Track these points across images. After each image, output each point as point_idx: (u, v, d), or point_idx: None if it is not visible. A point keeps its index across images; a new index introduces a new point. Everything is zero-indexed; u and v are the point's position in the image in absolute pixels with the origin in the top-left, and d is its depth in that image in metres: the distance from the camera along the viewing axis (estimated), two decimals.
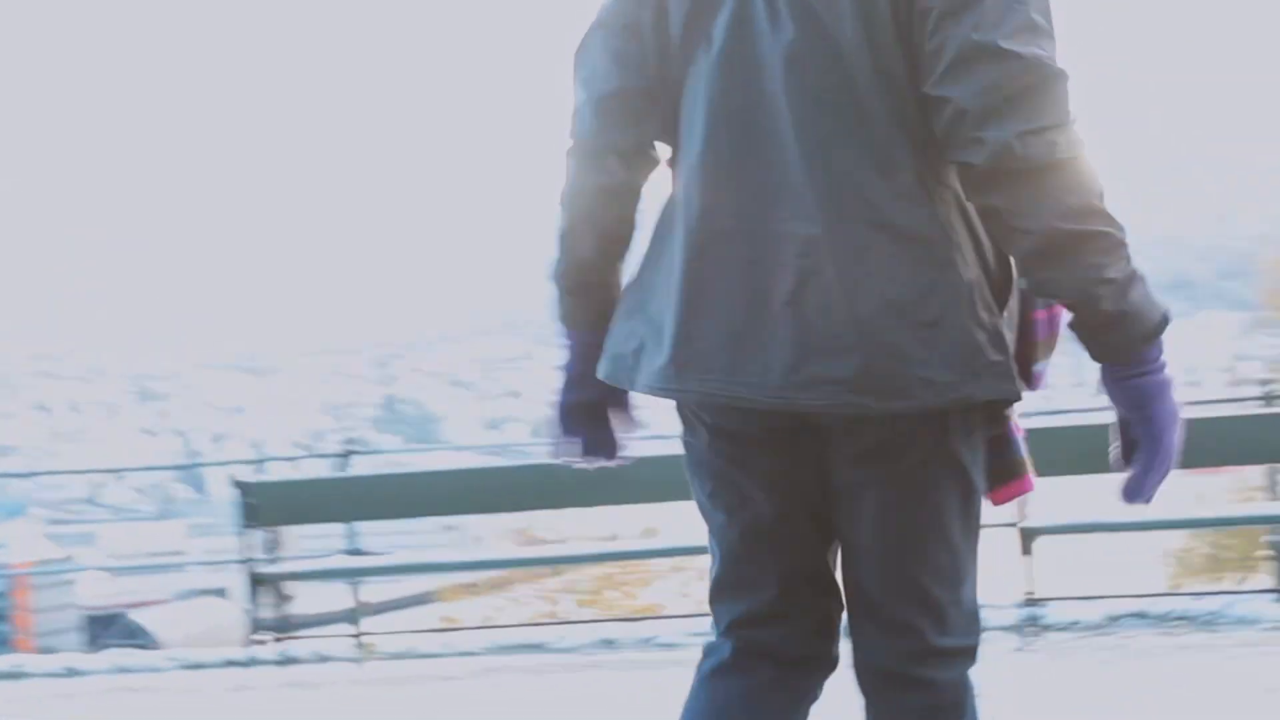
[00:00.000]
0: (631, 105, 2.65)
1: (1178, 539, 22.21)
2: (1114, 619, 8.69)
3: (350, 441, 10.99)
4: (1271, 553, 9.43)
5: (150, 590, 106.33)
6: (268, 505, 8.94)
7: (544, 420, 2.97)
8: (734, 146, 2.53)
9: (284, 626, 9.39)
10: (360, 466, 9.97)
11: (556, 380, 2.87)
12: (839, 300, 2.42)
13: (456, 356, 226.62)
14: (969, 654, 2.67)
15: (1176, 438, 2.50)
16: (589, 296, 2.78)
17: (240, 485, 8.96)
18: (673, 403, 2.69)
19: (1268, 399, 9.13)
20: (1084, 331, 2.44)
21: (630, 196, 2.72)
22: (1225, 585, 19.21)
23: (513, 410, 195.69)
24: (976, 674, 2.65)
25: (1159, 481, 2.51)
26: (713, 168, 2.54)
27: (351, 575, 9.67)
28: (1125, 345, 2.43)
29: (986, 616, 2.72)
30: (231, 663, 9.53)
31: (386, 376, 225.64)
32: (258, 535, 9.01)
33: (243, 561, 9.00)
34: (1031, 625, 8.44)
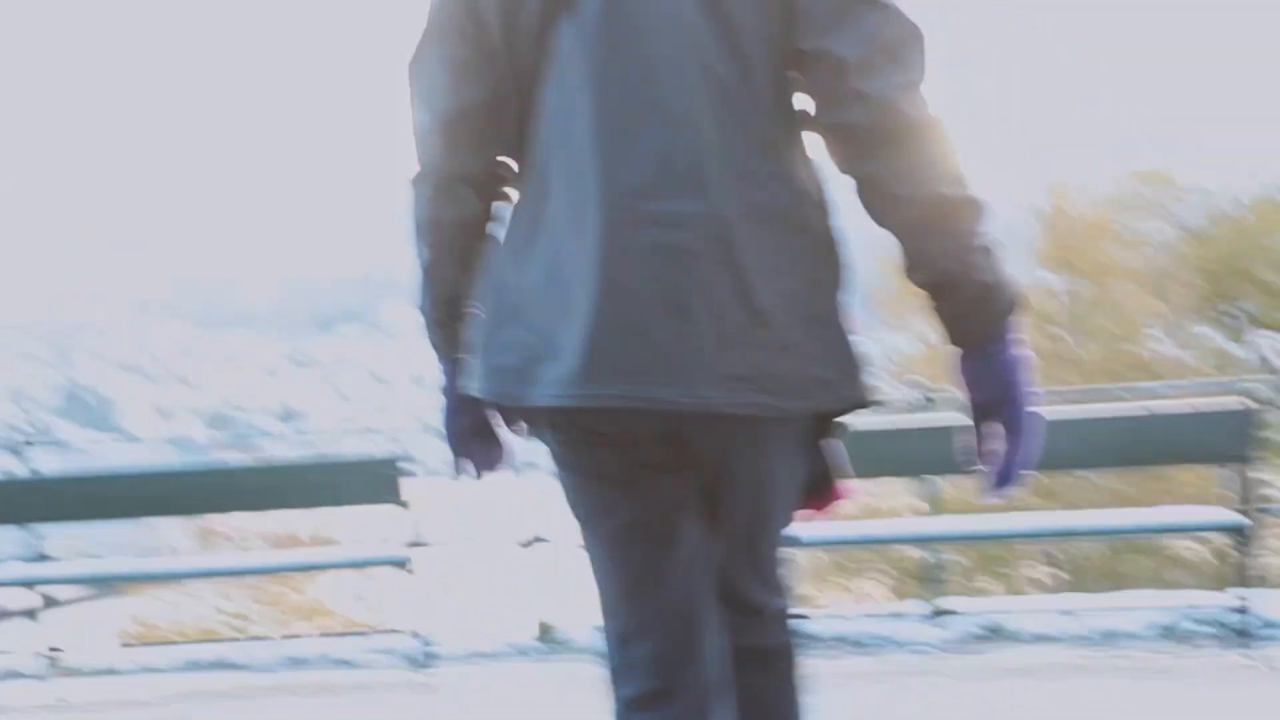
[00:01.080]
0: (479, 125, 2.64)
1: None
2: None
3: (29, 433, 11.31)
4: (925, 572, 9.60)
5: None
6: None
7: (442, 446, 3.05)
8: (628, 123, 2.48)
9: None
10: (41, 459, 9.75)
11: (439, 406, 2.96)
12: (745, 291, 2.44)
13: (128, 342, 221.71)
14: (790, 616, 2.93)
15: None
16: (460, 325, 2.81)
17: None
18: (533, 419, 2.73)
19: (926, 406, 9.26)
20: (958, 307, 2.50)
21: (488, 222, 2.75)
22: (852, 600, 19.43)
23: (185, 399, 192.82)
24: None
25: (1028, 463, 2.56)
26: (608, 148, 2.48)
27: (30, 582, 9.54)
28: (995, 318, 2.50)
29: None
30: None
31: (64, 360, 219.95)
32: None
33: None
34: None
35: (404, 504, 8.43)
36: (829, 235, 2.61)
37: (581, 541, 2.87)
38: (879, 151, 2.41)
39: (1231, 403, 8.35)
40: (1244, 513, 8.09)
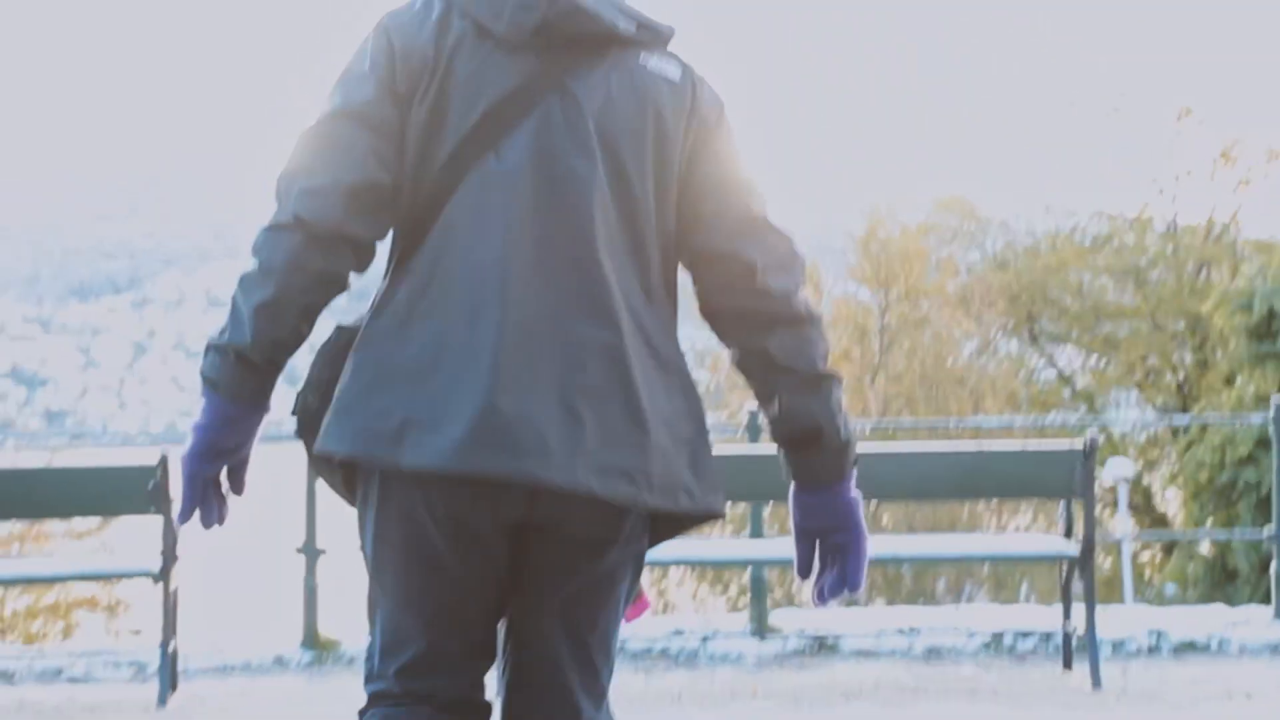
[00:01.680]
0: (382, 199, 2.86)
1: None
2: None
3: None
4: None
5: None
6: None
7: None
8: (547, 246, 2.84)
9: None
10: None
11: (193, 447, 2.91)
12: (632, 404, 2.80)
13: None
14: None
15: None
16: (269, 374, 2.89)
17: None
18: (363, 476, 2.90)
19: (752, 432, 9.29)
20: (818, 456, 3.01)
21: (344, 285, 2.92)
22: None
23: None
24: None
25: (858, 581, 3.05)
26: (519, 269, 2.82)
27: None
28: (843, 465, 3.02)
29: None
30: None
31: None
32: None
33: None
34: None
35: (167, 513, 7.60)
36: (691, 379, 3.04)
37: (371, 588, 3.02)
38: (773, 334, 2.97)
39: (1063, 444, 8.56)
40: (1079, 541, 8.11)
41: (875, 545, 8.39)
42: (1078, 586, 8.05)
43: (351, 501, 3.00)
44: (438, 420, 2.74)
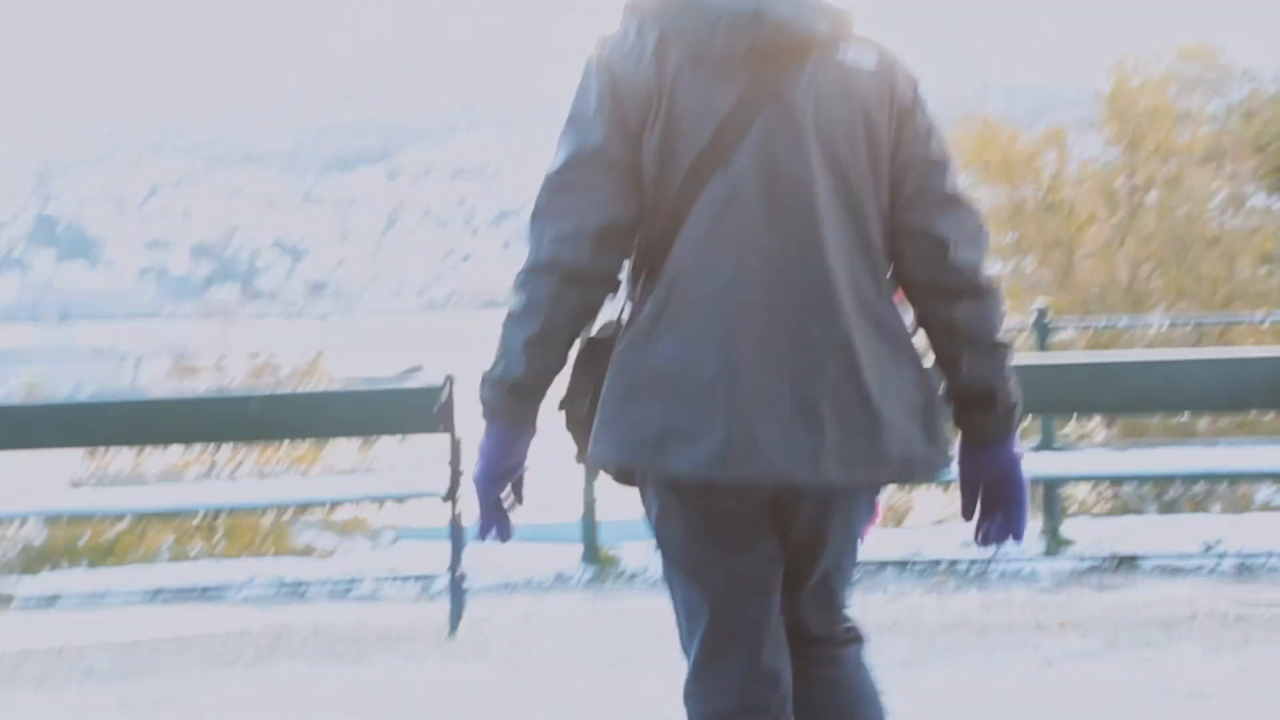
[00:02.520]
0: (626, 236, 3.02)
1: None
2: None
3: None
4: None
5: None
6: None
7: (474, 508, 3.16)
8: (777, 260, 2.98)
9: None
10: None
11: (483, 473, 3.10)
12: (864, 394, 2.95)
13: (118, 175, 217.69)
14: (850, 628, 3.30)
15: None
16: (539, 399, 3.07)
17: None
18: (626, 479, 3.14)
19: None
20: (989, 416, 3.15)
21: (598, 312, 3.10)
22: None
23: (176, 233, 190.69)
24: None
25: (1021, 529, 3.20)
26: (760, 281, 2.97)
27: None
28: (1010, 425, 3.17)
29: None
30: None
31: (44, 193, 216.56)
32: None
33: None
34: None
35: (453, 433, 7.30)
36: (917, 351, 3.13)
37: (673, 586, 3.23)
38: (959, 304, 3.08)
39: None
40: None
41: (1182, 460, 7.50)
42: None
43: (628, 484, 3.20)
44: (695, 432, 2.93)
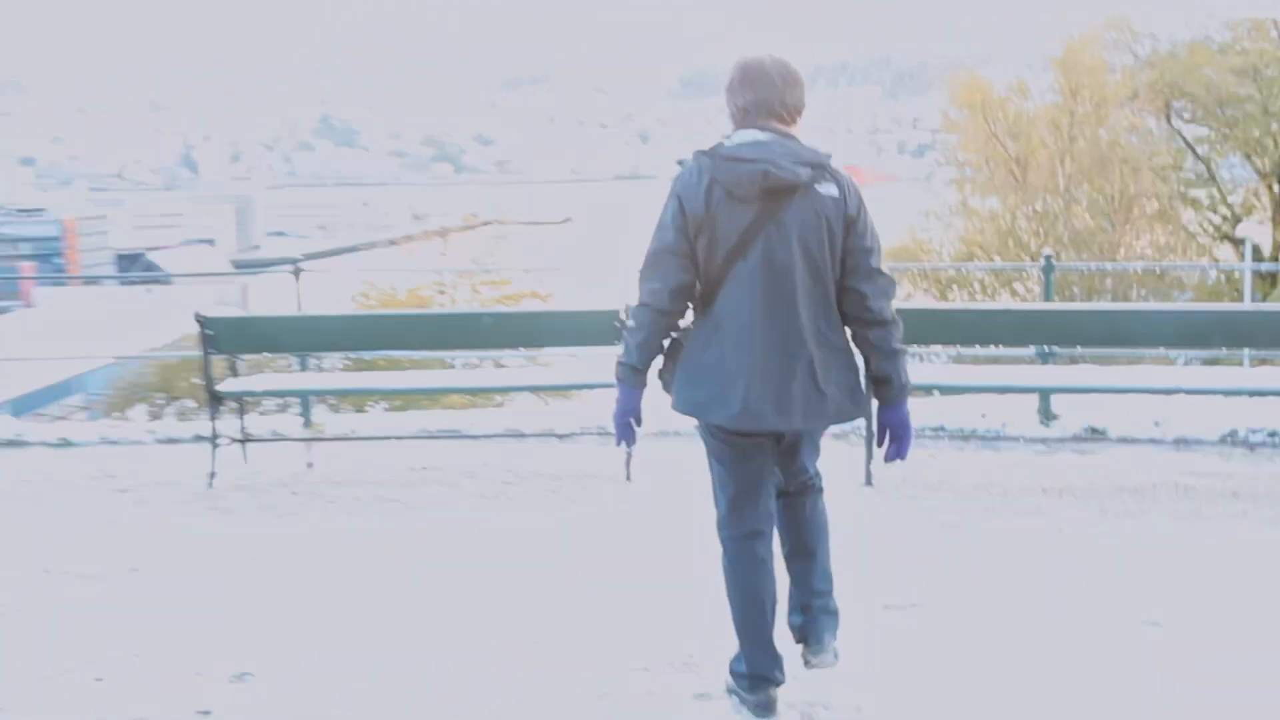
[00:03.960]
0: (687, 292, 3.71)
1: None
2: None
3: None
4: None
5: (162, 238, 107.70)
6: (227, 337, 7.18)
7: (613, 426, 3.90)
8: (772, 309, 3.64)
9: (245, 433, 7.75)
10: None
11: (620, 412, 3.85)
12: (817, 385, 3.68)
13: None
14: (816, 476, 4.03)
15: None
16: (646, 372, 3.81)
17: (200, 320, 7.10)
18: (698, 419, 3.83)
19: None
20: (892, 387, 3.78)
21: (675, 328, 3.79)
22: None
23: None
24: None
25: (906, 453, 3.87)
26: (759, 316, 3.64)
27: (300, 394, 8.00)
28: (903, 395, 3.81)
29: None
30: (199, 438, 7.96)
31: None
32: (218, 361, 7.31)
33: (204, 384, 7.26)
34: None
35: None
36: (852, 354, 3.75)
37: (713, 467, 3.88)
38: (872, 329, 3.70)
39: None
40: None
41: (1100, 378, 7.05)
42: None
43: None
44: (725, 401, 3.66)
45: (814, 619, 3.94)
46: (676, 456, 7.00)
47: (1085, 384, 6.91)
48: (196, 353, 7.43)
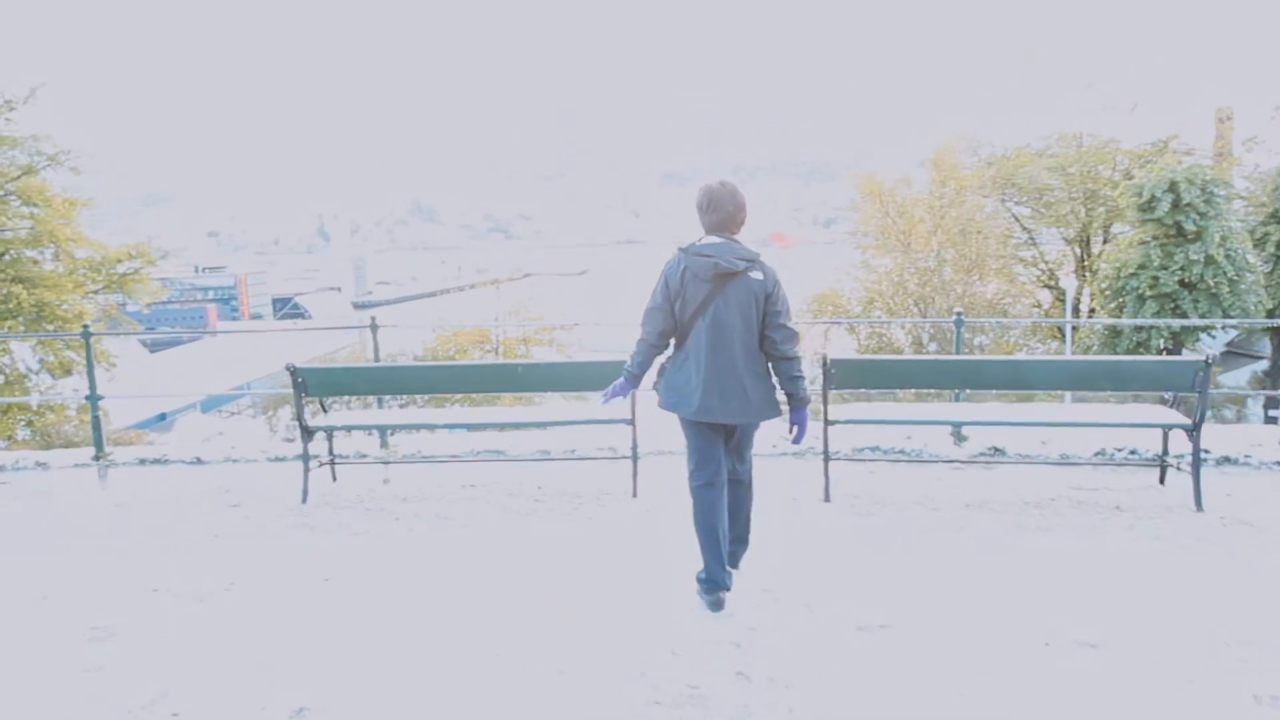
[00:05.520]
0: (668, 333, 4.06)
1: None
2: None
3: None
4: None
5: (305, 286, 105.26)
6: (313, 384, 6.16)
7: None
8: (718, 347, 3.97)
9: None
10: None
11: (614, 392, 4.23)
12: (746, 394, 3.99)
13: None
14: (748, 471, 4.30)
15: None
16: (641, 378, 4.17)
17: (291, 370, 6.10)
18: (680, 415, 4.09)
19: None
20: (794, 399, 4.09)
21: (660, 354, 4.11)
22: None
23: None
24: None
25: (802, 439, 4.12)
26: (709, 351, 3.97)
27: (371, 428, 6.96)
28: (804, 404, 4.08)
29: None
30: (300, 457, 6.91)
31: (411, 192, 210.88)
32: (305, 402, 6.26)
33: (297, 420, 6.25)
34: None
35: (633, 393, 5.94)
36: (770, 378, 4.07)
37: (687, 443, 4.12)
38: (781, 363, 4.03)
39: (1191, 358, 5.38)
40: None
41: (1008, 414, 5.88)
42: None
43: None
44: (689, 401, 4.01)
45: (734, 550, 4.36)
46: (670, 476, 6.07)
47: (992, 419, 5.88)
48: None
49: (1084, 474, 6.27)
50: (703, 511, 4.03)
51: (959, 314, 7.07)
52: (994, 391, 7.01)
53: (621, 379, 4.17)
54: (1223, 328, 19.51)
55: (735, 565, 4.32)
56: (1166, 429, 5.64)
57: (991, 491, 5.89)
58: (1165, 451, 5.88)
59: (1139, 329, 18.41)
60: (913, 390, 7.10)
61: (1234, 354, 28.09)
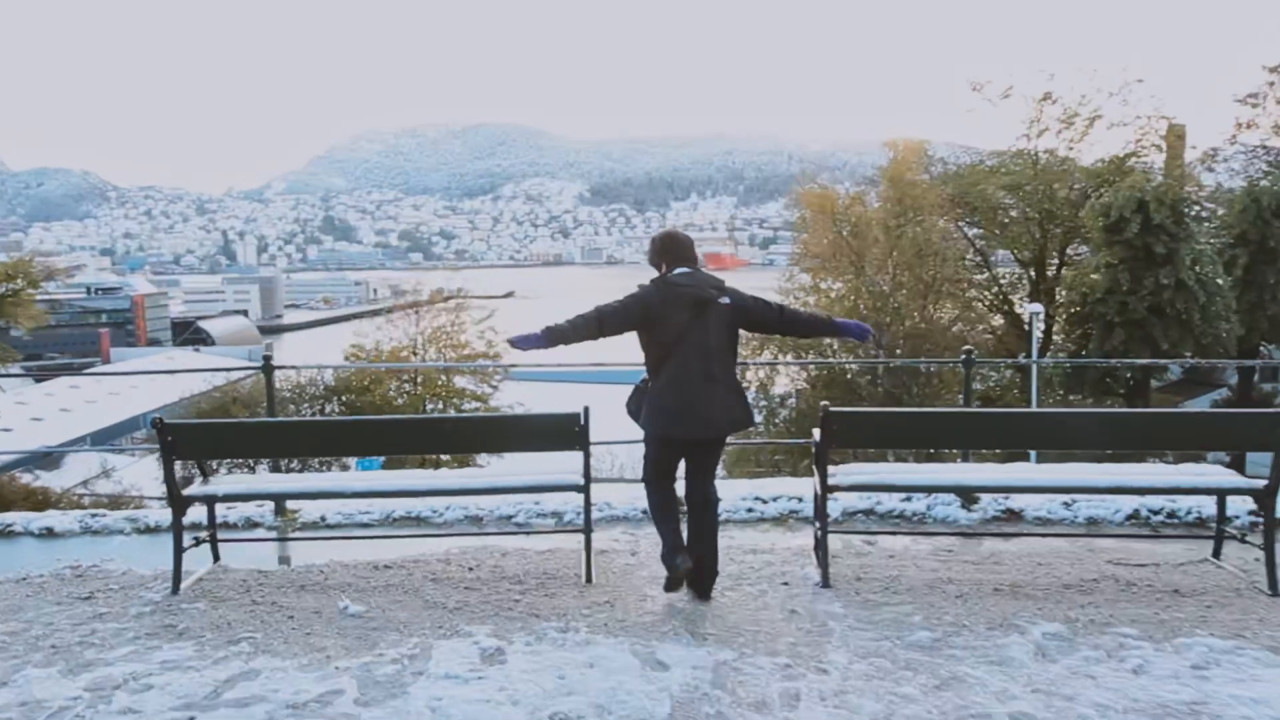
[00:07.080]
0: (610, 331, 4.43)
1: None
2: None
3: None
4: None
5: (207, 309, 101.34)
6: (185, 443, 5.13)
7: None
8: (701, 368, 4.43)
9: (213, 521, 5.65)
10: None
11: (527, 342, 4.29)
12: (724, 406, 4.45)
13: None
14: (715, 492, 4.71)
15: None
16: (558, 341, 4.31)
17: (158, 426, 5.07)
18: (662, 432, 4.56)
19: None
20: (836, 325, 4.80)
21: (593, 339, 4.41)
22: None
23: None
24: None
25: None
26: (694, 373, 4.41)
27: (268, 497, 5.91)
28: (839, 321, 4.82)
29: None
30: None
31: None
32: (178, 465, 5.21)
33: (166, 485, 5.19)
34: None
35: (586, 449, 4.99)
36: (743, 392, 4.59)
37: (647, 455, 4.65)
38: (803, 319, 4.79)
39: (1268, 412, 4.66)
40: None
41: (1033, 474, 4.99)
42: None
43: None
44: (675, 422, 4.45)
45: (706, 585, 4.66)
46: (630, 549, 5.23)
47: (1015, 480, 5.09)
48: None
49: (1120, 543, 5.57)
50: (659, 500, 4.68)
51: (968, 351, 6.32)
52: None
53: (540, 330, 4.31)
54: (1192, 362, 19.33)
55: (707, 598, 4.68)
56: (1225, 492, 4.95)
57: (1018, 570, 5.13)
58: (1223, 518, 5.20)
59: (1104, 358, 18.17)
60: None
61: (1192, 383, 28.32)
